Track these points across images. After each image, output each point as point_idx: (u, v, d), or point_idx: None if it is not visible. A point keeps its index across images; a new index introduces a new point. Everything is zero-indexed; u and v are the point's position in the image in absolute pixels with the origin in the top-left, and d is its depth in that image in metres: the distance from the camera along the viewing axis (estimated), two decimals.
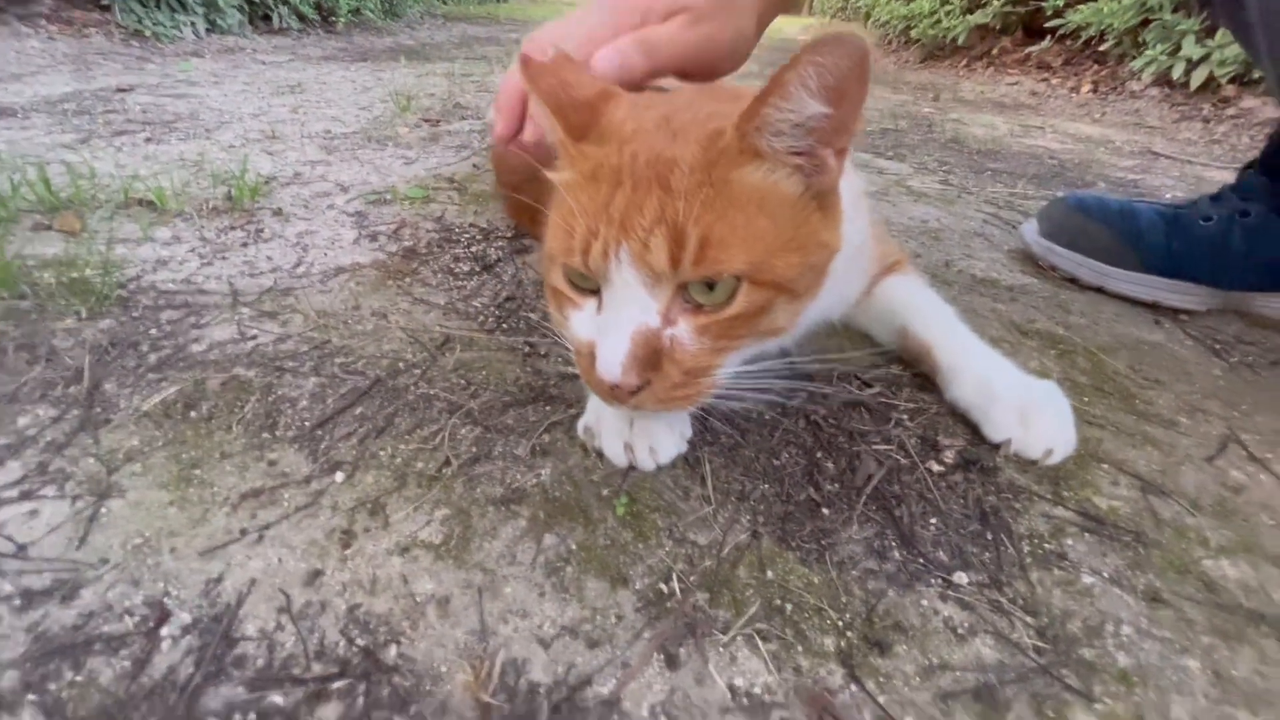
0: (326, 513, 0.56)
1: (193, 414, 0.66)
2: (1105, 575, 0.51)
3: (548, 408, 0.67)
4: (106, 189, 1.19)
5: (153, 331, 0.78)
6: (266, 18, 3.73)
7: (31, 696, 0.43)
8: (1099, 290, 1.04)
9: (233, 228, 1.12)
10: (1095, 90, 3.40)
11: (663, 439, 0.58)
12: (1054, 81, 3.62)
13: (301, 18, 3.94)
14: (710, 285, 0.47)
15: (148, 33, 3.04)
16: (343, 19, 4.21)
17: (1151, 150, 2.30)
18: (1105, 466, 0.63)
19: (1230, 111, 2.75)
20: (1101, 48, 3.44)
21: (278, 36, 3.70)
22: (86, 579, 0.50)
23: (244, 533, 0.54)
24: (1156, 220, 1.02)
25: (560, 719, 0.42)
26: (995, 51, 4.15)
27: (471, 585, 0.50)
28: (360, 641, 0.47)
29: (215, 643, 0.46)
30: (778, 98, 0.44)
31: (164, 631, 0.47)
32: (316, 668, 0.45)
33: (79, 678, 0.44)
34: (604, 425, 0.59)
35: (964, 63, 4.25)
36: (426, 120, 1.99)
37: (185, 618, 0.48)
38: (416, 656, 0.46)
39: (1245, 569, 0.52)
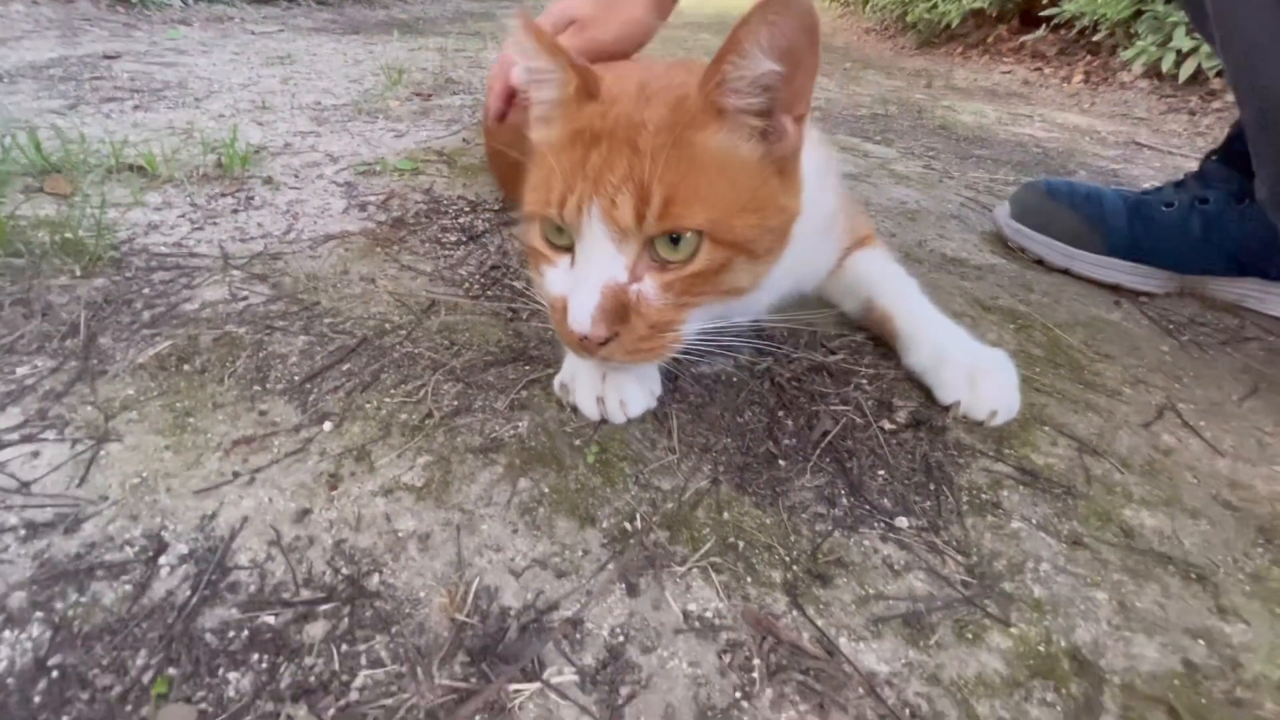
0: (314, 458, 0.60)
1: (186, 367, 0.69)
2: (1033, 522, 0.55)
3: (527, 367, 0.71)
4: (96, 154, 1.20)
5: (146, 290, 0.81)
6: None
7: (39, 614, 0.46)
8: (1065, 272, 1.09)
9: (223, 194, 1.14)
10: (1087, 80, 3.42)
11: (633, 394, 0.62)
12: (1047, 71, 3.64)
13: None
14: (674, 242, 0.51)
15: None
16: None
17: (1135, 141, 2.34)
18: (1047, 429, 0.67)
19: (1216, 105, 2.79)
20: (1095, 38, 3.47)
21: (268, 6, 3.65)
22: (87, 514, 0.53)
23: (236, 475, 0.58)
24: (1120, 205, 1.06)
25: (528, 636, 0.46)
26: (990, 39, 4.16)
27: (450, 523, 0.54)
28: (345, 571, 0.50)
29: (210, 570, 0.50)
30: (735, 54, 0.48)
31: (162, 560, 0.50)
32: (305, 593, 0.49)
33: (83, 599, 0.47)
34: (578, 381, 0.63)
35: (959, 50, 4.26)
36: (418, 94, 1.99)
37: (182, 549, 0.51)
38: (397, 584, 0.49)
39: (1163, 519, 0.57)
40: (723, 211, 0.50)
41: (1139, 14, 3.10)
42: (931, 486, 0.58)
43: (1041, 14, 3.69)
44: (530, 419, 0.64)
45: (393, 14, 4.22)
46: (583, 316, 0.50)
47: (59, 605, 0.47)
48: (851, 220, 0.81)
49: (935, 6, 4.29)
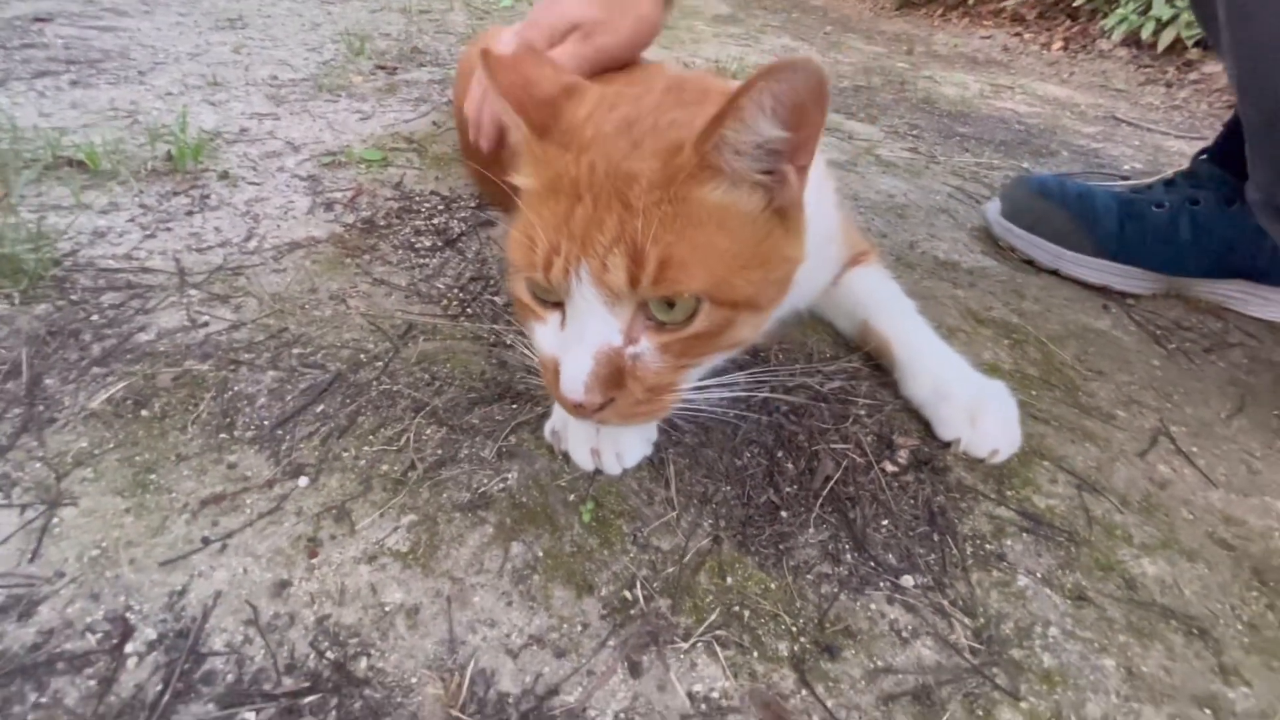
0: (291, 519, 0.56)
1: (144, 412, 0.64)
2: (1039, 576, 0.55)
3: (514, 405, 0.67)
4: (31, 145, 1.10)
5: (95, 318, 0.75)
6: None
7: None
8: (1054, 273, 1.07)
9: (175, 193, 1.05)
10: (1065, 48, 3.39)
11: (628, 443, 0.59)
12: (1026, 37, 3.59)
13: None
14: (671, 304, 0.47)
15: None
16: None
17: (1114, 115, 2.32)
18: (1046, 464, 0.66)
19: (1193, 76, 2.78)
20: (1075, 2, 3.42)
21: None
22: (43, 594, 0.49)
23: (206, 541, 0.54)
24: (1111, 205, 1.04)
25: None
26: (971, 1, 4.07)
27: (440, 594, 0.51)
28: (330, 654, 0.47)
29: (182, 659, 0.46)
30: (734, 120, 0.44)
31: (129, 648, 0.47)
32: (288, 682, 0.46)
33: (43, 699, 0.44)
34: (570, 430, 0.60)
35: (940, 12, 4.17)
36: (382, 67, 1.88)
37: (150, 633, 0.48)
38: (387, 669, 0.47)
39: (1162, 565, 0.57)
40: (724, 271, 0.47)
41: None
42: (935, 537, 0.57)
43: None
44: (520, 469, 0.60)
45: None
46: (575, 385, 0.47)
47: (16, 709, 0.43)
48: (850, 236, 0.78)
49: None
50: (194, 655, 0.47)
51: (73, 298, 0.77)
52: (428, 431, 0.64)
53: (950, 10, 4.26)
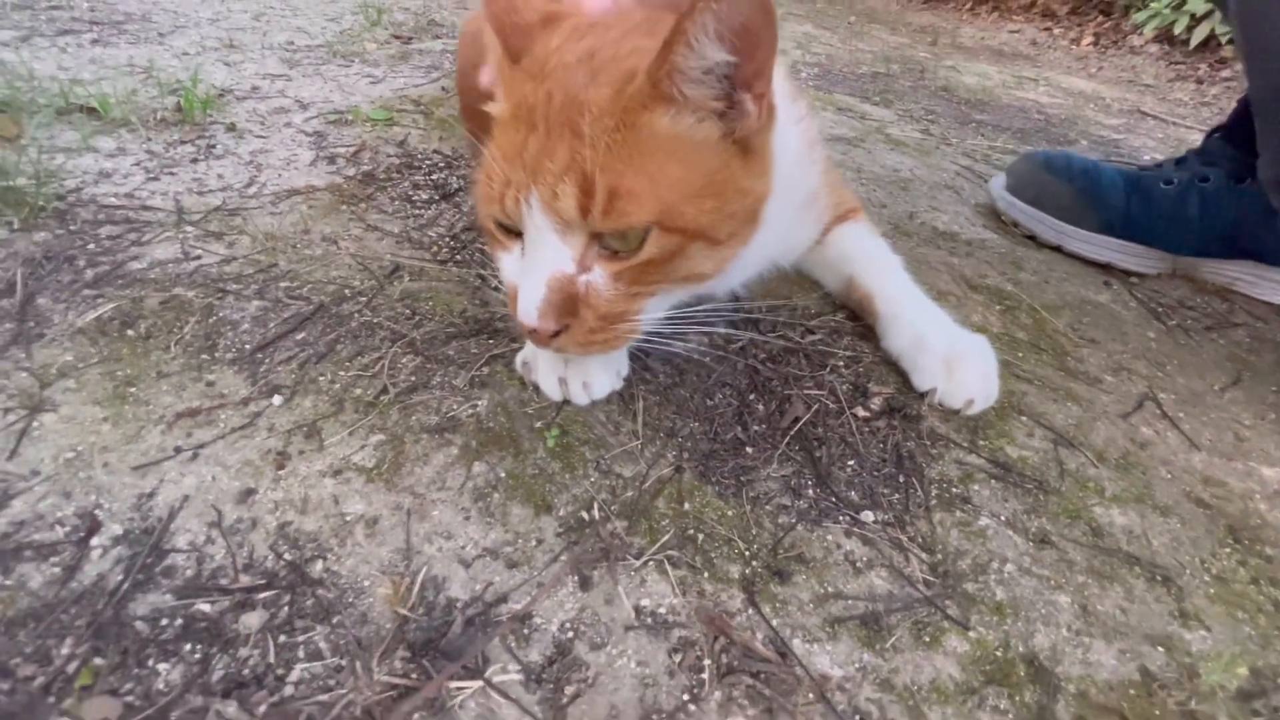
0: (263, 434, 0.57)
1: (130, 332, 0.65)
2: (1002, 519, 0.54)
3: (490, 340, 0.68)
4: (46, 93, 1.13)
5: (91, 247, 0.76)
6: None
7: None
8: (1057, 249, 1.05)
9: (182, 141, 1.07)
10: (1096, 43, 3.32)
11: (597, 375, 0.59)
12: (1056, 31, 3.52)
13: None
14: (624, 232, 0.47)
15: None
16: None
17: (1140, 109, 2.27)
18: (1024, 419, 0.65)
19: (1225, 73, 2.71)
20: None
21: None
22: (17, 489, 0.51)
23: (178, 450, 0.55)
24: (1118, 181, 1.02)
25: (473, 631, 0.44)
26: None
27: (400, 507, 0.52)
28: (288, 556, 0.48)
29: (145, 553, 0.48)
30: (681, 46, 0.43)
31: (94, 541, 0.48)
32: (244, 579, 0.47)
33: (8, 581, 0.45)
34: (540, 360, 0.60)
35: (968, 5, 4.10)
36: (397, 37, 1.89)
37: (116, 529, 0.49)
38: (342, 572, 0.48)
39: (1133, 516, 0.56)
40: (673, 200, 0.46)
41: None
42: (901, 479, 0.57)
43: None
44: (490, 397, 0.61)
45: None
46: (529, 309, 0.48)
47: None
48: (836, 194, 0.77)
49: None
50: (157, 551, 0.48)
51: (71, 228, 0.79)
52: (403, 360, 0.65)
53: (979, 4, 4.19)
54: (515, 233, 0.51)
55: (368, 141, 1.16)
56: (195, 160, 1.02)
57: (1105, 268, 1.02)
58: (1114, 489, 0.59)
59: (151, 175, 0.96)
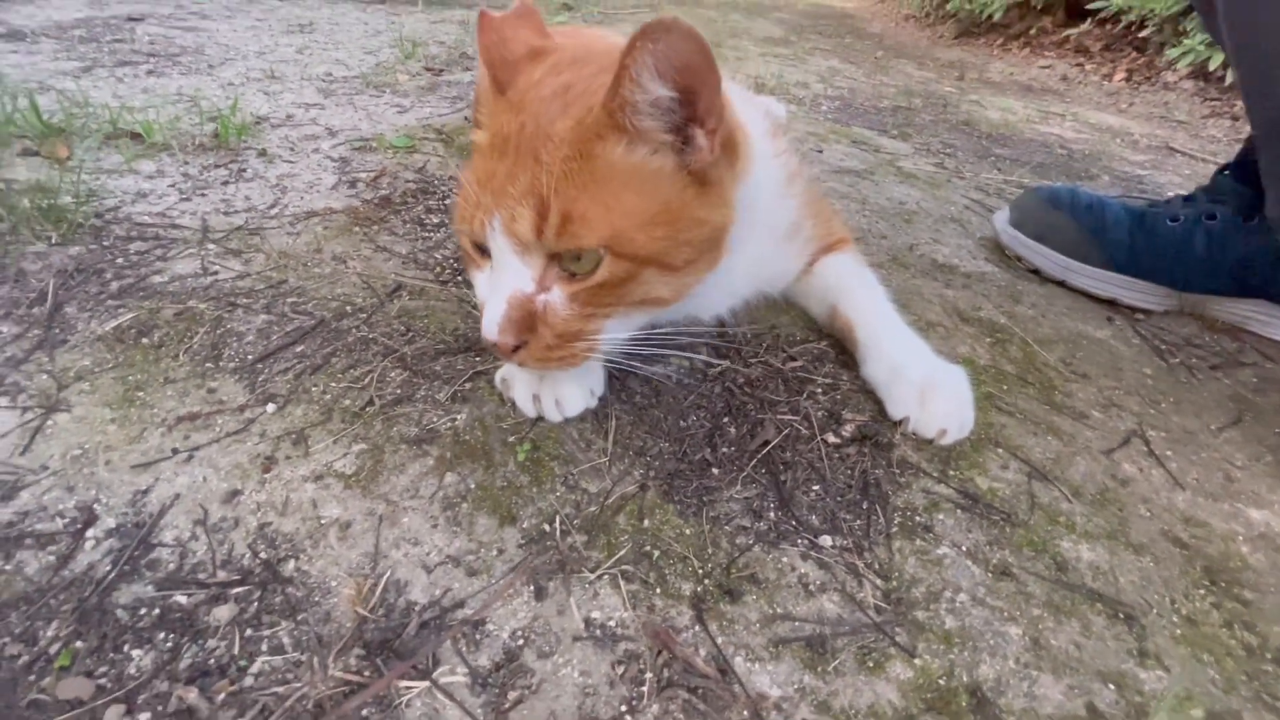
0: (254, 439, 0.60)
1: (144, 340, 0.70)
2: (963, 549, 0.54)
3: (477, 358, 0.71)
4: (97, 119, 1.22)
5: (119, 261, 0.82)
6: None
7: None
8: (1061, 284, 1.05)
9: (217, 165, 1.15)
10: (1129, 79, 3.29)
11: (570, 393, 0.61)
12: (1088, 67, 3.50)
13: None
14: (579, 255, 0.50)
15: None
16: None
17: (1169, 146, 2.24)
18: (1000, 451, 0.65)
19: None
20: (1142, 34, 3.32)
21: None
22: (25, 482, 0.55)
23: (175, 452, 0.59)
24: (1123, 217, 1.01)
25: (427, 633, 0.46)
26: (1033, 31, 4.00)
27: (373, 513, 0.54)
28: (264, 555, 0.51)
29: (134, 546, 0.51)
30: (628, 81, 0.46)
31: (89, 533, 0.52)
32: (221, 574, 0.50)
33: (7, 566, 0.49)
34: (516, 377, 0.62)
35: (1000, 41, 4.11)
36: (429, 69, 1.99)
37: (110, 522, 0.53)
38: (312, 572, 0.50)
39: (1101, 553, 0.55)
40: (625, 226, 0.49)
41: (1190, 10, 2.95)
42: (865, 505, 0.57)
43: (1088, 7, 3.54)
44: (469, 412, 0.63)
45: None
46: (491, 325, 0.51)
47: None
48: (825, 224, 0.79)
49: None
50: (144, 544, 0.51)
51: (104, 243, 0.85)
52: (392, 374, 0.68)
53: (1011, 40, 4.19)
54: (487, 253, 0.54)
55: (388, 167, 1.22)
56: (226, 183, 1.09)
57: (1110, 303, 1.01)
58: (1086, 525, 0.58)
59: (184, 196, 1.02)
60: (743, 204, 0.56)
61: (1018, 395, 0.74)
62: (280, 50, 2.02)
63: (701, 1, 4.64)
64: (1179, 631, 0.50)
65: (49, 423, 0.60)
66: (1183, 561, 0.56)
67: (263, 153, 1.22)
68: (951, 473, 0.62)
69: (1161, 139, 2.32)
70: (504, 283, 0.51)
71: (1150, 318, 0.99)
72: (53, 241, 0.83)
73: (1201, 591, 0.53)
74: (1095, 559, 0.54)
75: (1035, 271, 1.07)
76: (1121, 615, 0.50)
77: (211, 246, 0.88)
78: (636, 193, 0.49)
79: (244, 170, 1.14)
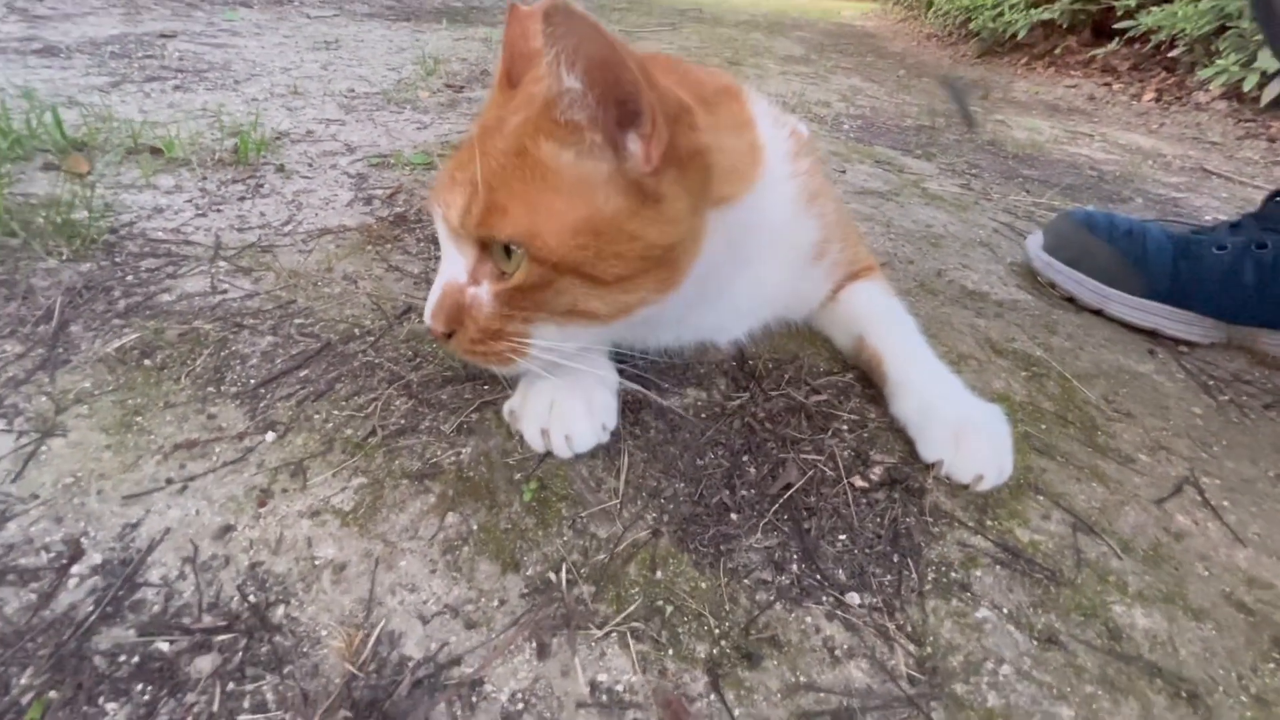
0: (251, 470, 0.58)
1: (146, 362, 0.68)
2: (1005, 611, 0.49)
3: (485, 386, 0.68)
4: (120, 133, 1.22)
5: (129, 278, 0.81)
6: None
7: None
8: (1098, 313, 1.00)
9: (235, 181, 1.14)
10: (1159, 99, 3.22)
11: (581, 428, 0.58)
12: (1116, 87, 3.44)
13: None
14: (508, 252, 0.50)
15: None
16: None
17: (1204, 167, 2.17)
18: (1041, 499, 0.60)
19: None
20: (1172, 54, 3.25)
21: None
22: (15, 511, 0.53)
23: (169, 482, 0.56)
24: (1165, 244, 0.96)
25: (419, 694, 0.43)
26: (1059, 50, 3.95)
27: (370, 555, 0.51)
28: (253, 598, 0.48)
29: (118, 585, 0.48)
30: (550, 72, 0.45)
31: (74, 570, 0.49)
32: (206, 619, 0.47)
33: None
34: (526, 409, 0.59)
35: (1024, 60, 4.06)
36: (450, 86, 1.99)
37: (96, 558, 0.50)
38: (302, 619, 0.47)
39: (1158, 619, 0.50)
40: (543, 228, 0.48)
41: (1222, 30, 2.89)
42: (895, 558, 0.53)
43: (1116, 26, 3.48)
44: (475, 445, 0.60)
45: (448, 1, 4.25)
46: (427, 309, 0.53)
47: None
48: (851, 250, 0.75)
49: (1001, 14, 4.10)
50: (129, 584, 0.49)
51: (116, 260, 0.84)
52: (397, 402, 0.65)
53: (1035, 59, 4.14)
54: None
55: (404, 184, 1.21)
56: (242, 199, 1.08)
57: (1151, 334, 0.96)
58: (1139, 585, 0.53)
59: (200, 212, 1.01)
60: (735, 226, 0.55)
61: (1058, 436, 0.69)
62: (305, 66, 2.03)
63: (722, 20, 4.65)
64: (1249, 714, 0.45)
65: (44, 448, 0.58)
66: (1248, 629, 0.51)
67: (281, 168, 1.21)
68: (989, 523, 0.57)
69: (1195, 160, 2.26)
70: (444, 270, 0.53)
71: (1194, 350, 0.94)
72: (64, 258, 0.82)
73: (1271, 665, 0.48)
74: (1152, 626, 0.50)
75: (1070, 299, 1.03)
76: (1184, 694, 0.45)
77: (222, 264, 0.87)
78: (562, 196, 0.48)
79: (261, 186, 1.14)
